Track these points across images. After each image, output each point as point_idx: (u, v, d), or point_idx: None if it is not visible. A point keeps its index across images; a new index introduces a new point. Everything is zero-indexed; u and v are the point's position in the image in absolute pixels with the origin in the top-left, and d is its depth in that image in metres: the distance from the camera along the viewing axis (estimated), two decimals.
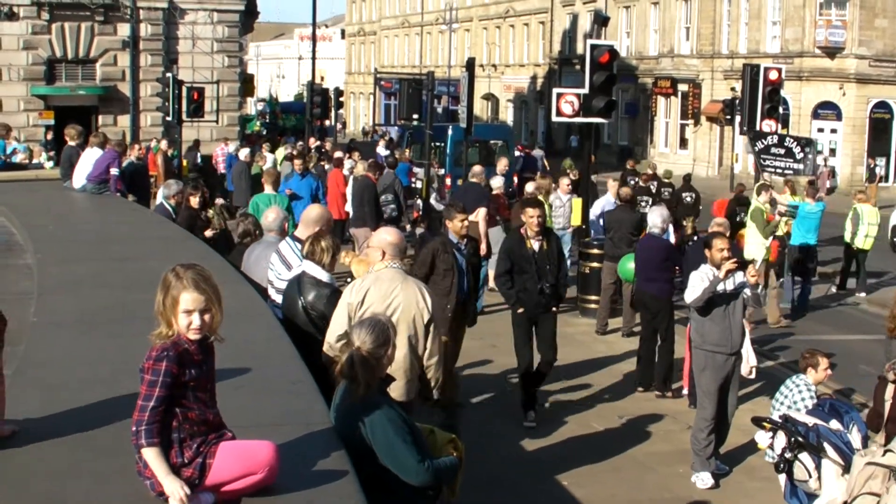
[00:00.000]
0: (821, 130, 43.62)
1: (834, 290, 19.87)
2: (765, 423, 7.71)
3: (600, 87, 16.34)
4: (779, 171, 19.52)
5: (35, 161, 21.25)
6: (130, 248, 10.51)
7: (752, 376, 10.53)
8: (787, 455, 7.25)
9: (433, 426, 6.17)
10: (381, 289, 6.90)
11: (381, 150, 34.90)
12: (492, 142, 33.38)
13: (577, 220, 17.40)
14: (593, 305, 15.57)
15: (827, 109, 43.41)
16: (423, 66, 68.20)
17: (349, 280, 8.77)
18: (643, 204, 20.52)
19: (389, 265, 7.08)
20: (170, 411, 4.16)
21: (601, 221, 16.85)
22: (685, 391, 11.75)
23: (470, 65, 24.55)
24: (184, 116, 31.44)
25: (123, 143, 19.23)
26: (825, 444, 7.14)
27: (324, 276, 7.31)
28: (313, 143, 33.03)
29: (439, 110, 48.62)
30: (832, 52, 42.76)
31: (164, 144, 28.11)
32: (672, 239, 13.55)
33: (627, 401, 11.74)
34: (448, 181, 27.47)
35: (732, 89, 38.27)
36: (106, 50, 35.54)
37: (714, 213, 22.86)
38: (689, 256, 12.00)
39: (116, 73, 35.76)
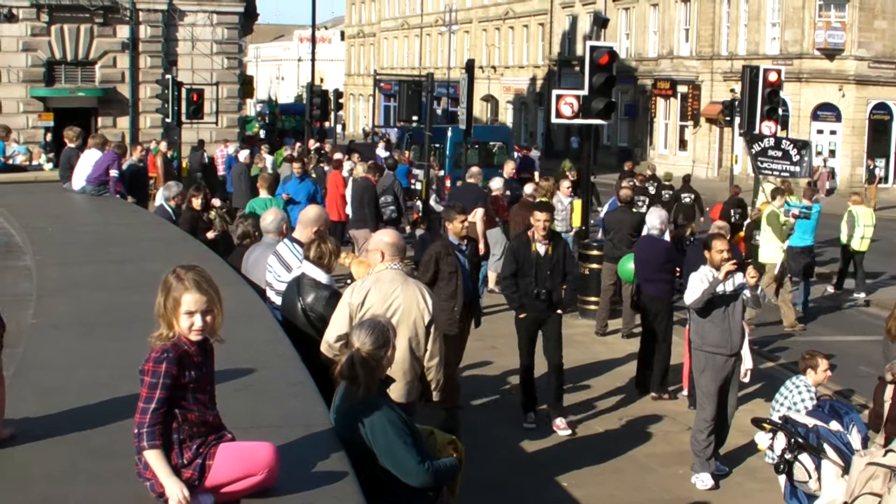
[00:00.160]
0: (820, 132, 43.66)
1: (831, 290, 19.89)
2: (765, 424, 7.71)
3: (600, 88, 16.34)
4: (775, 172, 19.53)
5: (34, 163, 21.23)
6: (130, 250, 10.51)
7: (747, 379, 10.53)
8: (787, 456, 7.25)
9: (433, 427, 6.17)
10: (381, 290, 6.91)
11: (381, 152, 34.91)
12: (491, 143, 33.42)
13: (577, 222, 17.39)
14: (593, 307, 15.57)
15: (826, 111, 43.43)
16: (422, 67, 68.24)
17: (348, 282, 8.78)
18: (639, 204, 20.55)
19: (390, 266, 7.08)
20: (169, 413, 4.16)
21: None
22: (684, 392, 11.75)
23: (469, 66, 24.56)
24: (183, 118, 31.45)
25: (123, 144, 19.23)
26: (825, 445, 7.14)
27: (323, 277, 7.31)
28: (313, 144, 33.03)
29: (439, 112, 48.74)
30: (831, 53, 42.79)
31: (163, 146, 28.10)
32: (666, 237, 13.54)
33: (627, 402, 11.73)
34: (448, 183, 27.48)
35: (732, 91, 38.24)
36: (105, 52, 35.54)
37: (711, 215, 22.93)
38: (689, 258, 12.00)
39: (116, 75, 35.77)
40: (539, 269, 10.43)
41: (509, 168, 20.73)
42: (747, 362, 10.26)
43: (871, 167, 41.50)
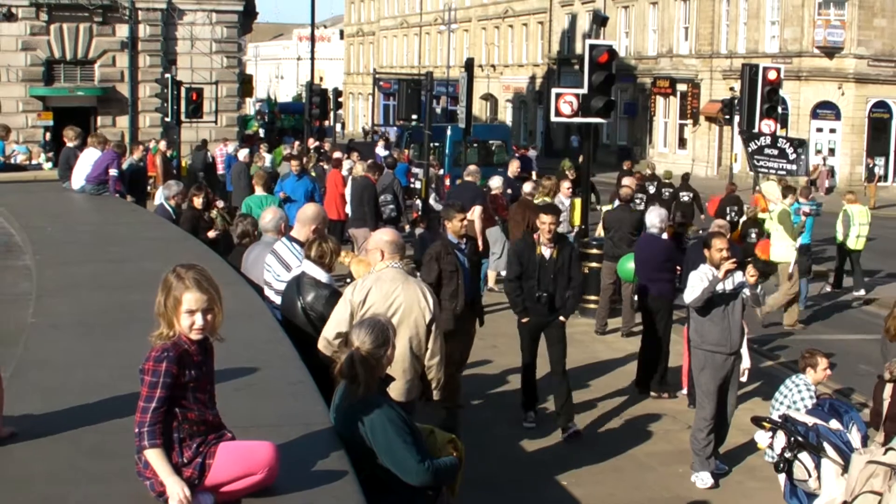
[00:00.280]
0: (819, 130, 43.66)
1: (828, 288, 19.91)
2: (764, 423, 7.71)
3: (599, 87, 16.33)
4: (772, 171, 19.55)
5: (34, 162, 21.23)
6: (129, 250, 10.51)
7: (745, 378, 10.52)
8: (787, 455, 7.25)
9: (433, 426, 6.17)
10: (382, 289, 6.91)
11: (380, 151, 34.91)
12: (490, 142, 33.42)
13: (576, 220, 17.39)
14: (592, 305, 15.57)
15: (826, 109, 43.43)
16: (421, 66, 68.23)
17: (348, 281, 8.78)
18: (636, 202, 20.55)
19: (391, 265, 7.08)
20: (170, 412, 4.17)
21: None
22: (684, 391, 11.75)
23: (469, 65, 24.57)
24: (182, 117, 31.46)
25: (123, 143, 19.22)
26: (825, 444, 7.14)
27: (323, 276, 7.31)
28: (312, 143, 33.02)
29: (438, 111, 48.74)
30: (831, 51, 42.78)
31: (162, 145, 28.09)
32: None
33: (627, 401, 11.73)
34: (447, 181, 27.48)
35: (731, 89, 38.27)
36: (104, 51, 35.53)
37: (708, 210, 22.96)
38: (689, 256, 12.00)
39: (115, 74, 35.77)
40: (543, 273, 10.28)
41: (514, 167, 20.69)
42: (745, 361, 10.26)
43: (871, 165, 41.51)
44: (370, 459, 5.09)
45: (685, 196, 23.30)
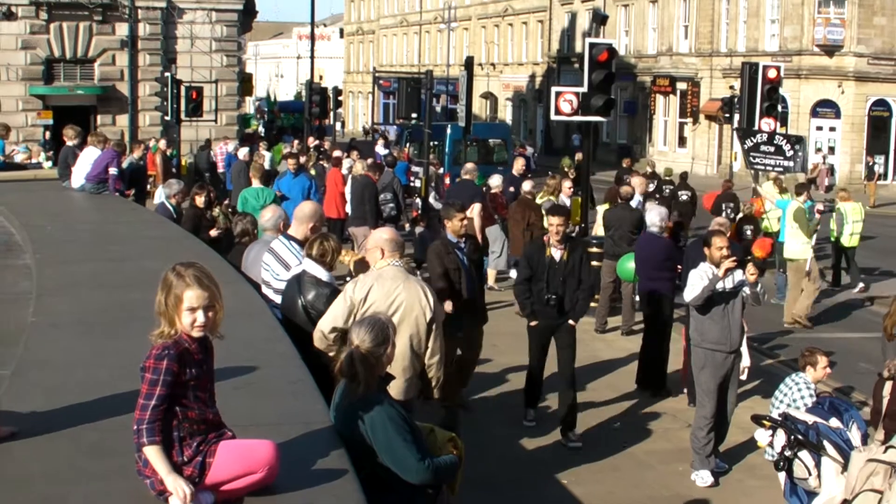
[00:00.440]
0: (819, 128, 43.64)
1: (825, 286, 19.91)
2: (764, 422, 7.71)
3: (599, 85, 16.32)
4: (769, 168, 19.55)
5: (34, 161, 21.24)
6: (129, 249, 10.51)
7: (745, 377, 10.52)
8: (787, 453, 7.25)
9: (433, 425, 6.17)
10: (384, 287, 6.91)
11: (380, 149, 34.91)
12: (490, 141, 33.42)
13: (575, 219, 17.38)
14: (593, 304, 15.52)
15: (826, 107, 43.41)
16: (421, 64, 68.23)
17: (348, 279, 8.77)
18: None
19: (391, 263, 7.08)
20: (170, 410, 4.17)
21: None
22: (684, 389, 11.75)
23: (468, 64, 24.56)
24: (182, 116, 31.43)
25: (123, 142, 19.23)
26: (825, 442, 7.14)
27: (324, 275, 7.31)
28: (312, 142, 33.03)
29: (438, 109, 48.68)
30: (831, 50, 42.76)
31: (162, 144, 28.09)
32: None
33: (627, 399, 11.74)
34: (447, 180, 27.48)
35: (731, 87, 38.26)
36: (104, 49, 35.53)
37: (704, 204, 22.97)
38: (689, 255, 12.00)
39: (115, 73, 35.76)
40: (552, 275, 10.11)
41: (518, 165, 20.67)
42: (745, 360, 10.26)
43: (871, 164, 41.48)
44: (370, 458, 5.09)
45: (684, 195, 23.31)
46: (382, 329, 5.38)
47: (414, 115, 29.40)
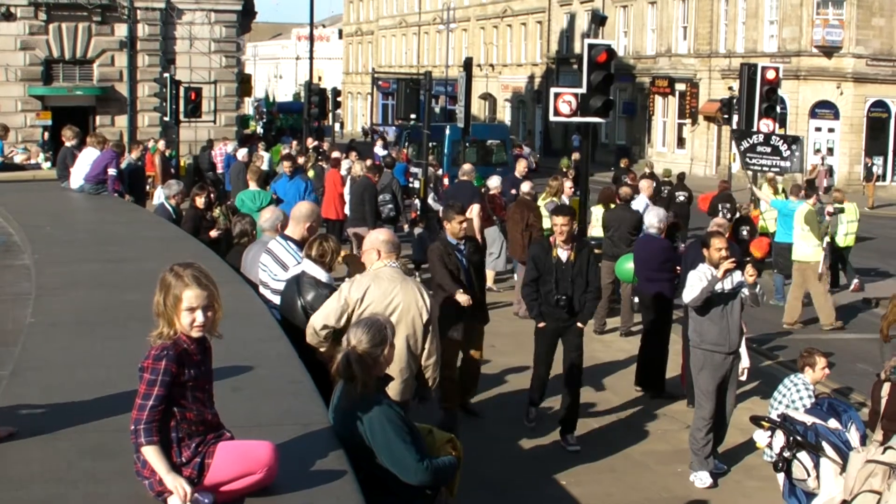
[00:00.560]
0: (818, 129, 43.67)
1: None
2: (763, 423, 7.71)
3: (598, 86, 16.32)
4: (765, 168, 19.56)
5: (33, 161, 21.25)
6: (128, 249, 10.51)
7: (744, 377, 10.52)
8: (786, 454, 7.25)
9: (432, 426, 6.17)
10: (381, 287, 6.91)
11: (379, 150, 34.91)
12: (489, 142, 33.42)
13: None
14: None
15: (824, 108, 43.43)
16: (420, 65, 68.23)
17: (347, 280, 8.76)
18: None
19: (388, 264, 7.08)
20: (168, 411, 4.17)
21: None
22: (683, 390, 11.75)
23: (467, 65, 24.56)
24: (181, 117, 31.44)
25: (121, 143, 19.23)
26: (823, 443, 7.14)
27: (323, 276, 7.31)
28: (311, 143, 33.03)
29: (437, 110, 48.72)
30: (829, 51, 42.79)
31: (161, 145, 28.09)
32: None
33: (626, 400, 11.73)
34: (446, 181, 27.48)
35: (730, 88, 38.24)
36: (103, 50, 35.52)
37: (699, 205, 22.97)
38: (688, 256, 12.00)
39: (114, 74, 35.75)
40: (560, 276, 9.98)
41: (521, 167, 20.65)
42: (744, 361, 10.26)
43: (869, 165, 41.50)
44: (369, 459, 5.09)
45: (681, 196, 23.32)
46: (380, 330, 5.37)
47: (413, 116, 29.45)
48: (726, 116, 39.23)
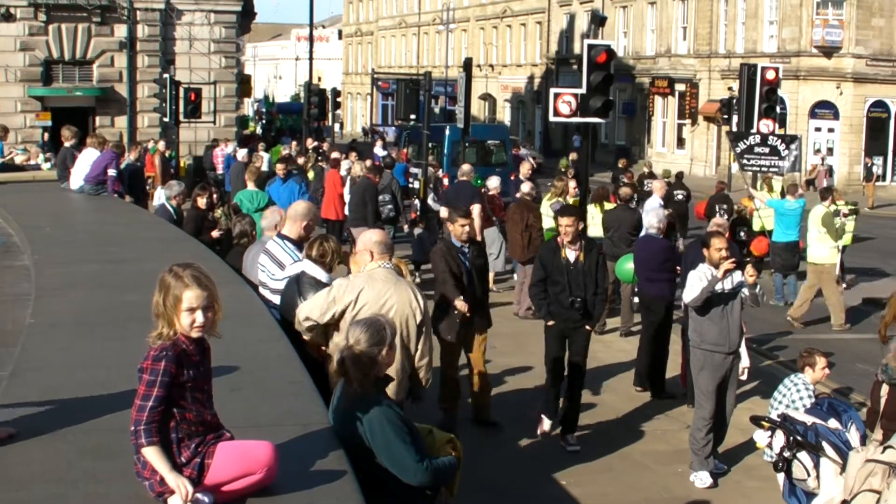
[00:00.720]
0: (818, 130, 43.68)
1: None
2: (763, 423, 7.71)
3: (597, 86, 16.32)
4: (763, 169, 19.56)
5: (32, 162, 21.24)
6: (128, 250, 10.51)
7: (745, 377, 10.52)
8: (786, 454, 7.25)
9: (432, 426, 6.17)
10: (374, 288, 6.90)
11: (379, 151, 34.90)
12: (489, 142, 33.41)
13: None
14: None
15: (824, 109, 43.44)
16: (420, 66, 68.23)
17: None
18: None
19: (382, 265, 7.07)
20: (167, 412, 4.17)
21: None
22: (682, 390, 11.75)
23: (467, 65, 24.55)
24: (181, 117, 31.44)
25: (121, 144, 19.23)
26: (824, 443, 7.14)
27: (323, 276, 7.31)
28: (311, 143, 33.04)
29: (436, 110, 48.65)
30: (829, 51, 42.80)
31: (161, 145, 28.09)
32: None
33: (625, 400, 11.73)
34: (445, 181, 27.48)
35: (730, 89, 38.29)
36: (103, 51, 35.51)
37: (696, 211, 22.96)
38: (688, 256, 12.01)
39: (113, 74, 35.74)
40: (571, 277, 9.91)
41: (525, 168, 20.65)
42: (744, 360, 10.26)
43: (869, 165, 41.52)
44: (369, 459, 5.09)
45: (679, 195, 23.34)
46: (379, 330, 5.37)
47: (412, 117, 29.44)
48: (726, 117, 39.29)
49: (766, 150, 19.08)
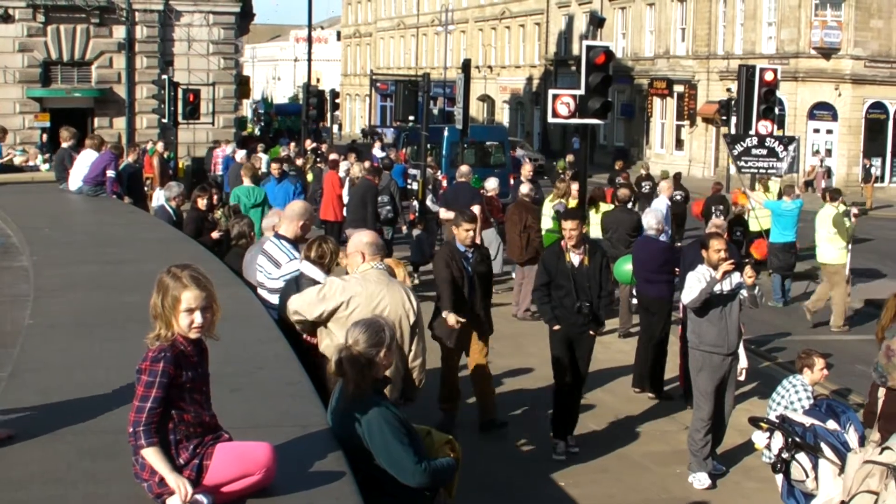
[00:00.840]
0: (816, 131, 43.71)
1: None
2: (762, 424, 7.71)
3: (596, 88, 16.31)
4: (761, 171, 19.57)
5: (31, 163, 21.25)
6: (126, 251, 10.51)
7: (743, 378, 10.53)
8: (784, 455, 7.25)
9: (430, 427, 6.17)
10: (367, 290, 6.90)
11: (377, 152, 34.91)
12: (488, 143, 33.41)
13: None
14: None
15: (822, 110, 43.47)
16: (418, 67, 68.25)
17: None
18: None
19: (374, 266, 7.07)
20: (166, 413, 4.17)
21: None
22: (681, 391, 11.76)
23: (466, 66, 24.54)
24: (179, 118, 31.43)
25: (120, 145, 19.23)
26: (822, 445, 7.14)
27: (321, 277, 7.30)
28: (309, 145, 33.05)
29: (435, 112, 48.67)
30: (828, 52, 42.84)
31: (159, 146, 28.09)
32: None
33: (624, 401, 11.74)
34: (444, 183, 27.46)
35: (728, 90, 38.30)
36: (101, 52, 35.49)
37: (692, 211, 22.98)
38: (686, 257, 12.01)
39: (112, 76, 35.72)
40: (577, 281, 9.83)
41: (526, 170, 20.64)
42: (743, 362, 10.27)
43: (868, 166, 41.54)
44: (367, 460, 5.09)
45: (678, 196, 23.36)
46: (378, 332, 5.37)
47: (411, 118, 29.42)
48: (724, 118, 39.31)
49: (764, 151, 19.08)
